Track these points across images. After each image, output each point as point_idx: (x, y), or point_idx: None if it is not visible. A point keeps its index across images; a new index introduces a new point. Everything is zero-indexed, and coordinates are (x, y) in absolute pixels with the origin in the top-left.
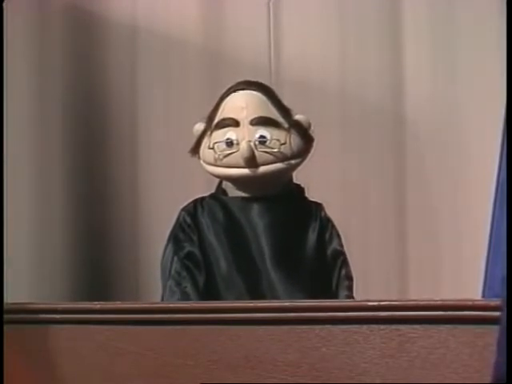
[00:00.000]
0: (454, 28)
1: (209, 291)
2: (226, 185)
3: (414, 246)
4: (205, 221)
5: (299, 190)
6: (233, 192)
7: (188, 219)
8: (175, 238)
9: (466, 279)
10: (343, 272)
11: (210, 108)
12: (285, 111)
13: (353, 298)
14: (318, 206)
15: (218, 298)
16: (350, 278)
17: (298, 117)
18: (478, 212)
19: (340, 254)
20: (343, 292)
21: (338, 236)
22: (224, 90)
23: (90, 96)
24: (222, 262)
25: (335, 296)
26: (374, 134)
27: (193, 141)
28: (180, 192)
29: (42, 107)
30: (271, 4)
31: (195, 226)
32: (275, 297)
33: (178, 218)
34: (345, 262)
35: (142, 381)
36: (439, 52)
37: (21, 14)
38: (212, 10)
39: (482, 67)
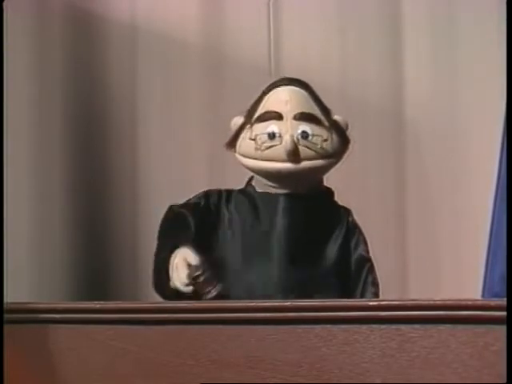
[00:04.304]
0: (453, 28)
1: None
2: (256, 182)
3: (413, 246)
4: (228, 212)
5: (329, 192)
6: (261, 188)
7: (215, 198)
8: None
9: (466, 279)
10: (370, 278)
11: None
12: (325, 110)
13: None
14: (346, 211)
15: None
16: (376, 285)
17: (336, 117)
18: (478, 212)
19: (367, 261)
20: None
21: (365, 242)
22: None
23: (89, 96)
24: (238, 257)
25: None
26: (374, 134)
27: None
28: (180, 191)
29: (41, 107)
30: (271, 4)
31: (217, 210)
32: (292, 296)
33: (206, 192)
34: (371, 269)
35: (142, 381)
36: (439, 52)
37: (21, 13)
38: (212, 10)
39: (482, 67)
